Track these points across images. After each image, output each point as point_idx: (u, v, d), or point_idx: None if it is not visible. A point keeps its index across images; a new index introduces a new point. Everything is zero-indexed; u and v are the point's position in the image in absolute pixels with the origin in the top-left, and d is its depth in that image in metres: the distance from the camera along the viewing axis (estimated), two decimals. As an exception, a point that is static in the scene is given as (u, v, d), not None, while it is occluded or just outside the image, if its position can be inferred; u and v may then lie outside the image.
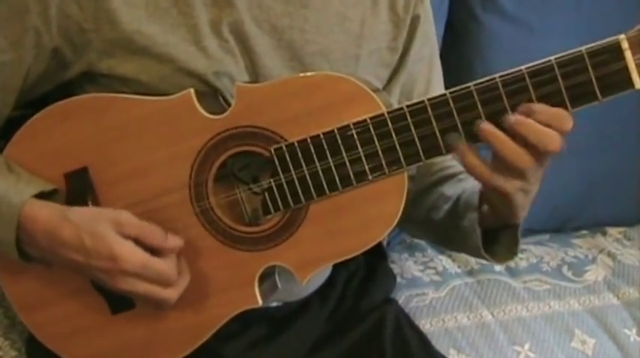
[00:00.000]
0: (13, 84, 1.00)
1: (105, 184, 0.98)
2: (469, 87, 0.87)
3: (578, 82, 0.84)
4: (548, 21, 1.62)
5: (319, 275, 1.15)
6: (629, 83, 0.83)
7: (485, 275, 1.46)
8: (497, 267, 1.49)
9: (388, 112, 0.89)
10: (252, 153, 0.94)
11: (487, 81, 0.86)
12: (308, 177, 0.92)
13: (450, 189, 1.05)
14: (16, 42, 0.96)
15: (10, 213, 0.94)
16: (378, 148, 0.90)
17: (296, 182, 0.93)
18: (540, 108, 0.84)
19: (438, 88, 1.15)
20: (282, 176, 0.93)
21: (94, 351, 1.04)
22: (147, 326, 1.02)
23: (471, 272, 1.47)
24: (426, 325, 1.33)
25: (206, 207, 0.96)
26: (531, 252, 1.56)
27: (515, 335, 1.35)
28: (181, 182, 0.96)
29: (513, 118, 0.85)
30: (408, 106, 0.89)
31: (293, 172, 0.93)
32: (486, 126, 0.86)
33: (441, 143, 0.88)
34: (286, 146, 0.92)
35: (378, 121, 0.89)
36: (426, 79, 1.14)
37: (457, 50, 1.60)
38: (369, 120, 0.90)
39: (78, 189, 0.98)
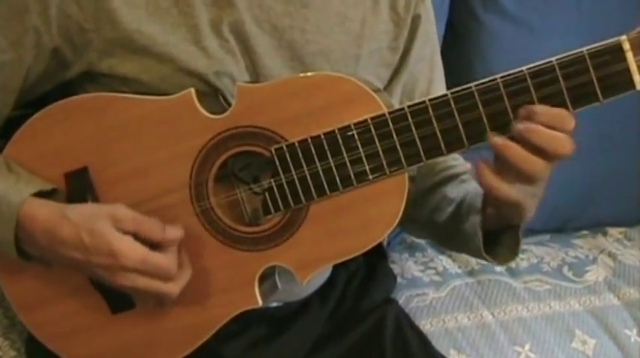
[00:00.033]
0: (13, 84, 0.99)
1: (105, 184, 0.98)
2: (470, 87, 0.87)
3: (580, 82, 0.84)
4: (548, 21, 1.61)
5: (319, 276, 1.15)
6: (631, 84, 0.84)
7: (485, 276, 1.46)
8: (498, 267, 1.49)
9: (389, 112, 0.89)
10: (253, 153, 0.94)
11: (488, 81, 0.86)
12: (308, 178, 0.92)
13: (454, 191, 1.05)
14: (16, 42, 0.96)
15: (10, 213, 0.94)
16: (379, 148, 0.90)
17: (296, 182, 0.93)
18: (542, 109, 0.84)
19: (439, 88, 1.15)
20: (282, 176, 0.93)
21: (93, 351, 1.04)
22: (147, 326, 1.01)
23: (471, 273, 1.47)
24: (426, 325, 1.33)
25: (206, 207, 0.96)
26: (532, 252, 1.56)
27: (516, 335, 1.34)
28: (182, 182, 0.96)
29: (522, 126, 0.85)
30: (409, 106, 0.89)
31: (293, 172, 0.93)
32: (498, 140, 0.86)
33: (442, 143, 0.88)
34: (287, 146, 0.92)
35: (379, 121, 0.89)
36: (428, 78, 1.14)
37: (458, 50, 1.60)
38: (369, 121, 0.90)
39: (78, 188, 0.98)
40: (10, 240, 0.95)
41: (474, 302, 1.40)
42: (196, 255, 0.97)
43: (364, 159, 0.91)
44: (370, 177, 0.91)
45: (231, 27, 0.97)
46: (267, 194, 0.95)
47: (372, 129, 0.90)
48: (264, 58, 0.99)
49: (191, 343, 1.01)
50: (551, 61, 0.84)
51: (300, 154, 0.92)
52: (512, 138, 0.86)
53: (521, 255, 1.50)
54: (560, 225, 1.69)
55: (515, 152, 0.86)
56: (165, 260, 0.92)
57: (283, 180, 0.93)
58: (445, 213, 1.05)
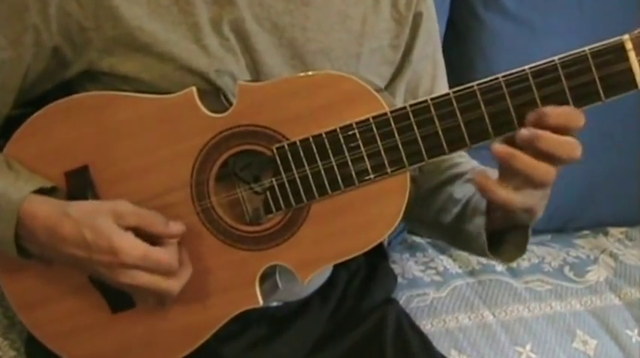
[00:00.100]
0: (13, 82, 0.99)
1: (106, 183, 0.97)
2: (472, 86, 0.86)
3: (582, 82, 0.84)
4: (550, 20, 1.61)
5: (320, 275, 1.14)
6: (633, 83, 0.84)
7: (486, 276, 1.46)
8: (499, 268, 1.49)
9: (391, 111, 0.89)
10: (254, 152, 0.94)
11: (490, 80, 0.86)
12: (310, 177, 0.92)
13: (460, 191, 1.05)
14: (16, 40, 0.96)
15: (10, 210, 0.94)
16: (381, 148, 0.90)
17: (298, 181, 0.93)
18: (552, 110, 0.84)
19: (443, 85, 1.16)
20: (283, 175, 0.93)
21: (93, 350, 1.04)
22: (147, 325, 1.01)
23: (472, 273, 1.47)
24: (427, 325, 1.32)
25: (207, 206, 0.96)
26: (533, 252, 1.56)
27: (517, 335, 1.34)
28: (182, 181, 0.96)
29: (528, 132, 0.84)
30: (410, 106, 0.88)
31: (295, 171, 0.92)
32: (501, 151, 0.85)
33: (444, 142, 0.88)
34: (288, 145, 0.92)
35: (381, 120, 0.89)
36: (431, 76, 1.14)
37: (459, 49, 1.60)
38: (371, 120, 0.89)
39: (78, 187, 0.97)
40: (10, 237, 0.95)
41: (475, 302, 1.40)
42: (197, 254, 0.97)
43: (366, 158, 0.90)
44: (372, 176, 0.91)
45: (231, 25, 0.97)
46: (268, 193, 0.94)
47: (374, 128, 0.89)
48: (264, 56, 0.98)
49: (191, 343, 1.01)
50: (553, 61, 0.84)
51: (302, 153, 0.92)
52: (514, 143, 0.85)
53: (522, 255, 1.50)
54: (561, 225, 1.68)
55: (522, 160, 0.85)
56: (166, 255, 0.92)
57: (284, 179, 0.93)
58: (451, 214, 1.04)
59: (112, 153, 0.97)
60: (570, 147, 0.84)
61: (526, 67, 0.85)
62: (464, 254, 1.50)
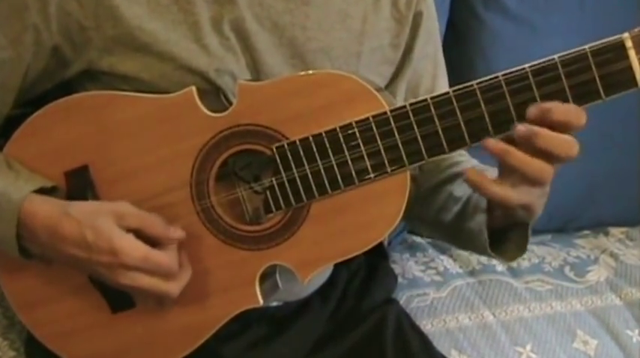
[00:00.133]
0: (12, 82, 0.99)
1: (105, 183, 0.97)
2: (472, 85, 0.86)
3: (582, 80, 0.84)
4: (550, 19, 1.61)
5: (320, 275, 1.14)
6: (633, 82, 0.84)
7: (486, 276, 1.46)
8: (499, 268, 1.48)
9: (391, 110, 0.89)
10: (254, 152, 0.94)
11: (490, 79, 0.86)
12: (310, 176, 0.92)
13: (460, 189, 1.04)
14: (15, 39, 0.96)
15: (10, 210, 0.94)
16: (381, 147, 0.90)
17: (298, 180, 0.93)
18: (556, 107, 0.84)
19: (443, 84, 1.16)
20: (283, 174, 0.93)
21: (93, 350, 1.04)
22: (147, 325, 1.01)
23: (472, 273, 1.47)
24: (427, 325, 1.32)
25: (207, 206, 0.96)
26: (533, 252, 1.56)
27: (517, 335, 1.34)
28: (182, 180, 0.96)
29: (525, 129, 0.84)
30: (410, 104, 0.88)
31: (295, 171, 0.92)
32: (495, 147, 0.85)
33: (444, 141, 0.88)
34: (288, 144, 0.92)
35: (381, 119, 0.89)
36: (432, 75, 1.14)
37: (459, 48, 1.60)
38: (371, 119, 0.89)
39: (78, 187, 0.97)
40: (11, 237, 0.94)
41: (475, 302, 1.40)
42: (197, 254, 0.97)
43: (366, 157, 0.90)
44: (372, 175, 0.91)
45: (231, 24, 0.97)
46: (268, 192, 0.94)
47: (374, 127, 0.89)
48: (264, 55, 0.98)
49: (191, 343, 1.01)
50: (553, 59, 0.84)
51: (302, 152, 0.92)
52: (512, 140, 0.85)
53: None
54: (561, 225, 1.68)
55: (516, 156, 0.85)
56: (166, 258, 0.92)
57: (284, 179, 0.93)
58: (451, 213, 1.04)
59: (111, 153, 0.97)
60: (568, 145, 0.84)
61: (526, 65, 0.85)
62: (464, 254, 1.50)
